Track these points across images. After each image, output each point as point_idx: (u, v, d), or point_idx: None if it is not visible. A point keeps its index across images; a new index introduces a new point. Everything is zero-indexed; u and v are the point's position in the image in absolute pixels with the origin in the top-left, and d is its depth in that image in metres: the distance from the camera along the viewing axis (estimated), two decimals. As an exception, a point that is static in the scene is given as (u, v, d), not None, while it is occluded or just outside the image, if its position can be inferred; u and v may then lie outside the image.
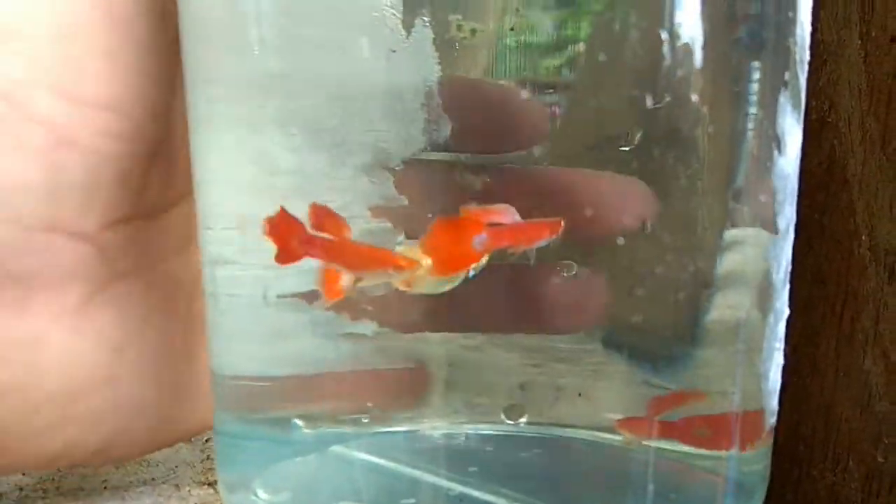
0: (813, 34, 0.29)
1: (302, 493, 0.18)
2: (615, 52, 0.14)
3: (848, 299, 0.27)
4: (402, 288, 0.16)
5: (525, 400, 0.19)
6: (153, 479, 0.21)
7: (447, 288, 0.16)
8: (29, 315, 0.17)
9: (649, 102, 0.13)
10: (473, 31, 0.16)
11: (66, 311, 0.18)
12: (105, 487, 0.21)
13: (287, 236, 0.16)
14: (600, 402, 0.18)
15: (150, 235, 0.20)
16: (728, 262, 0.15)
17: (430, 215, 0.17)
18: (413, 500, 0.18)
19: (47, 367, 0.18)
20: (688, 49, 0.13)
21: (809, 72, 0.30)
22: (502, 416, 0.19)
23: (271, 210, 0.18)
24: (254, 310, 0.18)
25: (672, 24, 0.13)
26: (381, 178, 0.17)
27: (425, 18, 0.16)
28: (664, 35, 0.13)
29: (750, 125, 0.14)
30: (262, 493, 0.18)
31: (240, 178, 0.19)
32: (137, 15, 0.17)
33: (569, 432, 0.19)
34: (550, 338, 0.18)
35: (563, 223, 0.14)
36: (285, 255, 0.16)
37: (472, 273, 0.15)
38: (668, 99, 0.13)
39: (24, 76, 0.16)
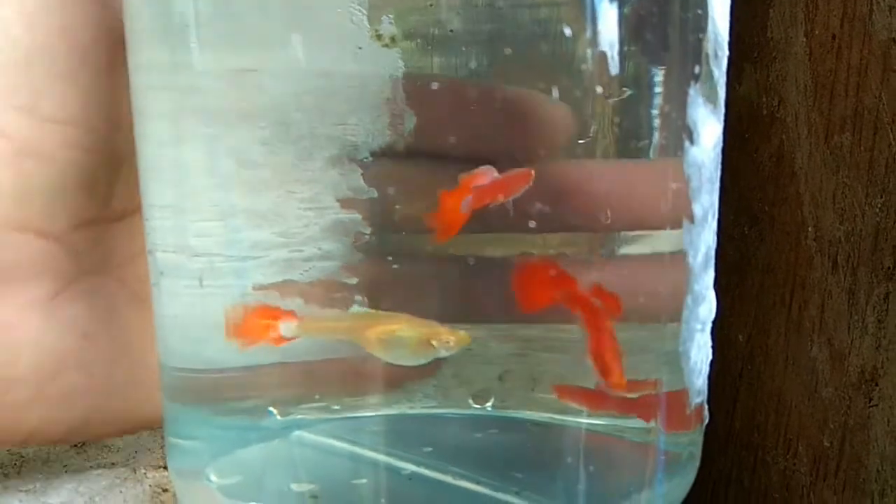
0: (763, 33, 0.30)
1: (253, 476, 0.19)
2: (526, 49, 0.14)
3: (796, 289, 0.28)
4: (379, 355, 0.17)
5: (499, 388, 0.19)
6: (113, 463, 0.22)
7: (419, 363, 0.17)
8: (5, 304, 0.19)
9: (555, 94, 0.14)
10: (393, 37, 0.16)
11: (37, 302, 0.20)
12: (66, 471, 0.21)
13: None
14: (540, 387, 0.19)
15: (116, 236, 0.21)
16: (644, 247, 0.15)
17: (397, 207, 0.18)
18: (364, 480, 0.19)
19: (19, 350, 0.20)
20: (594, 46, 0.14)
21: (760, 69, 0.30)
22: (470, 401, 0.20)
23: (237, 202, 0.19)
24: (194, 299, 0.19)
25: (580, 22, 0.14)
26: (349, 170, 0.17)
27: (390, 16, 0.17)
28: (568, 31, 0.14)
29: (657, 117, 0.15)
30: (213, 478, 0.19)
31: (198, 172, 0.20)
32: (94, 41, 0.19)
33: (525, 414, 0.19)
34: (530, 327, 0.19)
35: (532, 173, 0.15)
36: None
37: None
38: (575, 93, 0.14)
39: None
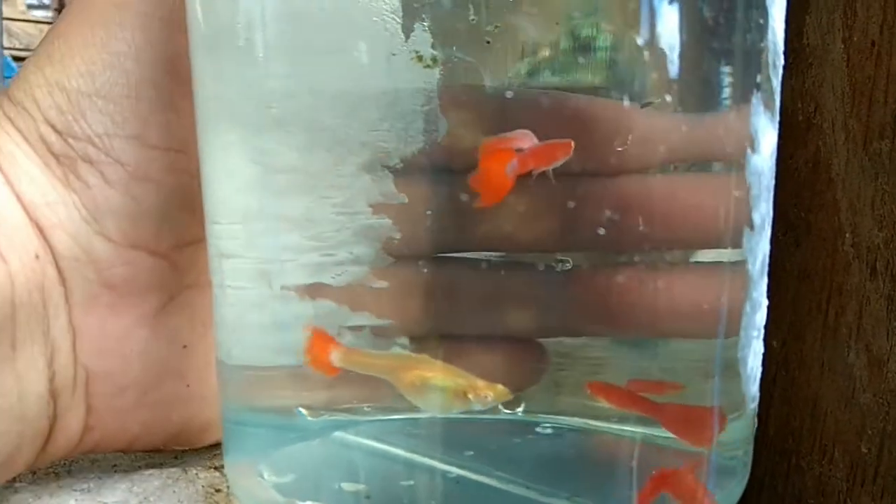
0: (799, 39, 0.30)
1: (306, 475, 0.19)
2: (594, 58, 0.15)
3: (832, 295, 0.28)
4: (411, 399, 0.18)
5: (525, 393, 0.19)
6: (161, 463, 0.22)
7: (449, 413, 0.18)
8: (120, 316, 0.21)
9: (626, 103, 0.14)
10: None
11: (146, 315, 0.22)
12: (115, 471, 0.22)
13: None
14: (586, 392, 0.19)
15: None
16: (707, 255, 0.16)
17: (427, 212, 0.18)
18: (412, 482, 0.19)
19: (131, 358, 0.22)
20: (663, 55, 0.14)
21: (796, 75, 0.30)
22: (500, 407, 0.20)
23: (274, 206, 0.19)
24: (258, 301, 0.19)
25: (649, 31, 0.14)
26: (381, 176, 0.18)
27: (425, 24, 0.17)
28: (640, 41, 0.14)
29: (723, 125, 0.15)
30: (267, 476, 0.19)
31: (244, 176, 0.20)
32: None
33: (561, 420, 0.20)
34: (562, 341, 0.19)
35: (572, 143, 0.15)
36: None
37: None
38: (647, 101, 0.14)
39: (105, 130, 0.20)
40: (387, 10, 0.17)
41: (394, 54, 0.17)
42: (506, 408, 0.20)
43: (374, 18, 0.17)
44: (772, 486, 0.31)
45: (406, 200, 0.18)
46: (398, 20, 0.17)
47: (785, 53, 0.31)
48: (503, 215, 0.18)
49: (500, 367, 0.20)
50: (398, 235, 0.18)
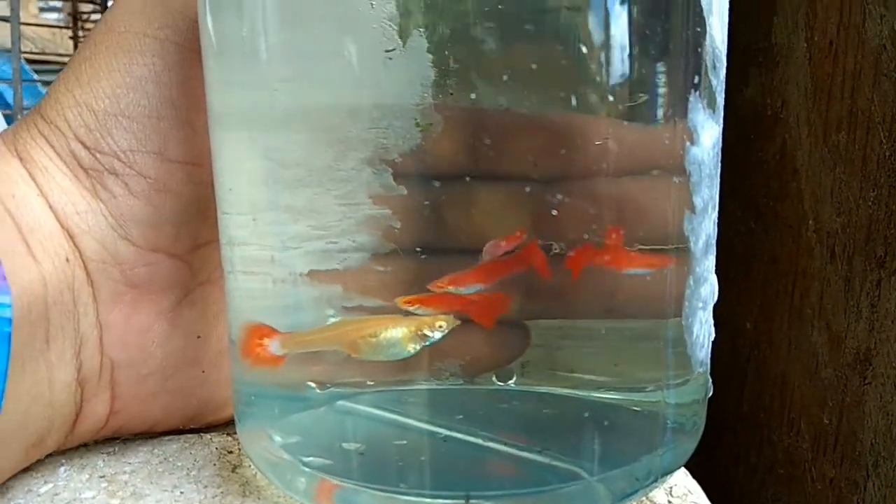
0: (767, 39, 0.32)
1: (310, 437, 0.21)
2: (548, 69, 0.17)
3: (798, 278, 0.30)
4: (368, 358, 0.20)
5: (520, 369, 0.21)
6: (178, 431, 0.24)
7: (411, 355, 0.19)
8: (141, 311, 0.23)
9: (573, 103, 0.16)
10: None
11: (165, 309, 0.24)
12: (136, 439, 0.24)
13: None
14: (575, 365, 0.21)
15: None
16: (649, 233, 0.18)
17: (426, 203, 0.20)
18: (405, 441, 0.21)
19: (152, 349, 0.24)
20: (608, 60, 0.16)
21: (765, 73, 0.32)
22: (494, 379, 0.22)
23: (282, 198, 0.21)
24: (267, 286, 0.21)
25: (592, 38, 0.16)
26: (381, 169, 0.19)
27: (420, 28, 0.18)
28: (584, 49, 0.16)
29: (660, 121, 0.17)
30: (276, 438, 0.21)
31: (253, 171, 0.22)
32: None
33: (543, 388, 0.21)
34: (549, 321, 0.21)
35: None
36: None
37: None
38: (592, 100, 0.16)
39: (129, 146, 0.23)
40: (384, 17, 0.19)
41: (390, 58, 0.18)
42: (499, 380, 0.22)
43: (373, 25, 0.19)
44: (746, 458, 0.33)
45: (405, 192, 0.19)
46: (394, 26, 0.18)
47: (755, 51, 0.33)
48: (484, 213, 0.20)
49: (487, 345, 0.22)
50: (398, 225, 0.20)
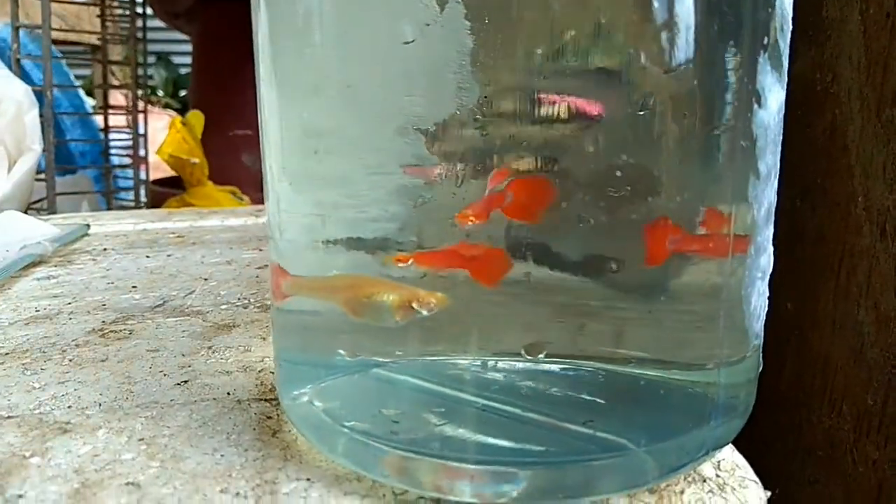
0: (818, 12, 0.31)
1: (350, 402, 0.21)
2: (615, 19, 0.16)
3: (845, 256, 0.29)
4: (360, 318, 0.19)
5: (546, 341, 0.21)
6: (215, 398, 0.24)
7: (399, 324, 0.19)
8: None
9: (641, 61, 0.16)
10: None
11: None
12: (173, 405, 0.24)
13: None
14: (605, 339, 0.20)
15: None
16: (713, 199, 0.17)
17: (460, 173, 0.19)
18: (443, 409, 0.20)
19: None
20: (677, 20, 0.16)
21: (815, 46, 0.32)
22: (522, 352, 0.21)
23: (316, 164, 0.21)
24: (307, 251, 0.21)
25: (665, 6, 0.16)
26: (414, 139, 0.19)
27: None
28: (656, 4, 0.16)
29: (731, 82, 0.16)
30: (317, 402, 0.21)
31: (294, 140, 0.22)
32: None
33: (578, 363, 0.21)
34: (579, 292, 0.20)
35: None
36: None
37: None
38: (658, 59, 0.16)
39: None
40: None
41: (427, 24, 0.18)
42: (528, 354, 0.21)
43: None
44: (783, 439, 0.33)
45: (437, 162, 0.19)
46: None
47: (804, 25, 0.32)
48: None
49: None
50: (429, 195, 0.19)
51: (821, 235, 0.31)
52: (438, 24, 0.18)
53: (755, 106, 0.17)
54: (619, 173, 0.16)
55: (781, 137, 0.19)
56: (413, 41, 0.19)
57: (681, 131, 0.17)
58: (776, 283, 0.32)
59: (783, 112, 0.18)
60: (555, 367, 0.21)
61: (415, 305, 0.19)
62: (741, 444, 0.25)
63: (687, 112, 0.17)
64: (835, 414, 0.30)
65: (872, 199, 0.28)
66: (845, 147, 0.29)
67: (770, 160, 0.18)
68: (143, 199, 1.12)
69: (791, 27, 0.18)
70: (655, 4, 0.16)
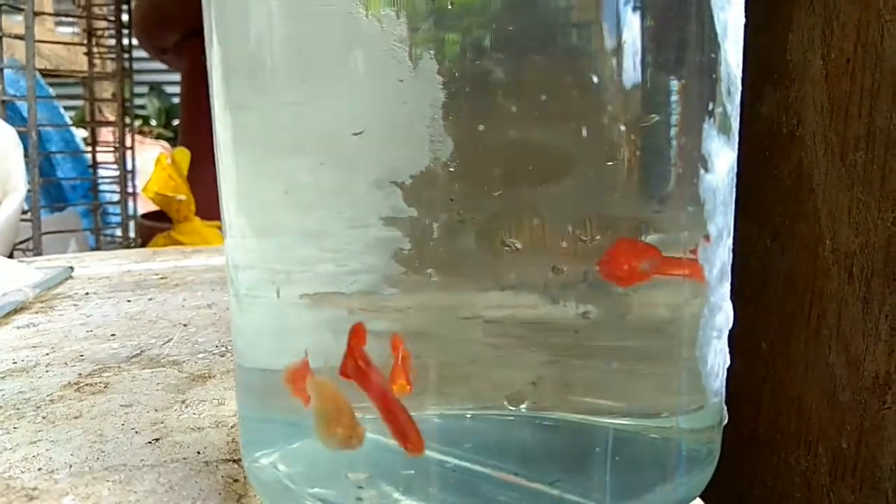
0: (783, 55, 0.32)
1: (314, 466, 0.21)
2: (560, 91, 0.16)
3: (815, 299, 0.29)
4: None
5: (532, 392, 0.21)
6: (184, 458, 0.24)
7: None
8: None
9: (584, 132, 0.16)
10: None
11: None
12: (143, 465, 0.24)
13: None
14: (588, 390, 0.20)
15: None
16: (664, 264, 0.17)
17: (434, 224, 0.19)
18: (412, 471, 0.20)
19: None
20: (620, 89, 0.16)
21: (780, 90, 0.32)
22: (505, 403, 0.21)
23: (291, 221, 0.21)
24: (269, 308, 0.21)
25: (604, 66, 0.16)
26: (390, 191, 0.19)
27: (431, 52, 0.18)
28: (595, 78, 0.16)
29: (673, 149, 0.17)
30: (281, 467, 0.21)
31: (261, 194, 0.22)
32: None
33: (557, 415, 0.21)
34: (566, 335, 0.20)
35: None
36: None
37: None
38: (605, 123, 0.16)
39: None
40: (395, 40, 0.18)
41: (401, 80, 0.18)
42: (510, 405, 0.21)
43: (383, 48, 0.18)
44: (763, 481, 0.33)
45: (415, 214, 0.19)
46: (405, 48, 0.18)
47: (770, 67, 0.32)
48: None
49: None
50: (407, 246, 0.19)
51: (791, 277, 0.31)
52: (412, 79, 0.18)
53: (702, 171, 0.17)
54: (563, 244, 0.16)
55: (734, 196, 0.19)
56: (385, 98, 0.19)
57: (626, 200, 0.17)
58: (750, 322, 0.32)
59: (734, 173, 0.18)
60: (530, 418, 0.21)
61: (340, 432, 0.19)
62: (718, 483, 0.24)
63: (630, 181, 0.17)
64: (811, 456, 0.30)
65: (839, 242, 0.28)
66: (812, 190, 0.29)
67: (720, 221, 0.18)
68: (131, 233, 1.12)
69: (739, 88, 0.18)
70: (594, 79, 0.16)
